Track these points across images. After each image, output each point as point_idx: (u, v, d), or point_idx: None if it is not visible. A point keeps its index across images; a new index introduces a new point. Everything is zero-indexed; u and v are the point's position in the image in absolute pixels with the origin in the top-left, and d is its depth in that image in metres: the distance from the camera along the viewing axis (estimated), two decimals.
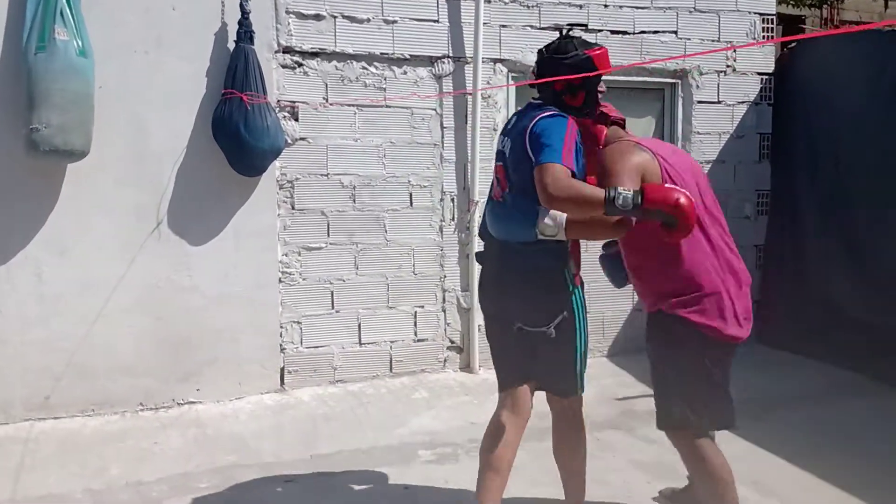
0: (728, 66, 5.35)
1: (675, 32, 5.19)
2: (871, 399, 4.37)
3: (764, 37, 5.43)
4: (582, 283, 2.73)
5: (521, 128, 2.62)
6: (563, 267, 2.65)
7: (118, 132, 4.04)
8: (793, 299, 5.32)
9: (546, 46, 2.72)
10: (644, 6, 5.09)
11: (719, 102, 5.36)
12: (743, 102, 5.43)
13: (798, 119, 5.38)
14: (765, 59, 5.46)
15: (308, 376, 4.57)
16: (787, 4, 7.56)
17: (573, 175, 2.44)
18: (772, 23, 5.48)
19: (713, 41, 5.28)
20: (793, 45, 5.64)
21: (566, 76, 2.60)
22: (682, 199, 2.35)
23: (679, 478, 3.44)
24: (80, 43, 3.70)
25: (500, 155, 2.76)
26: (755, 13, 5.40)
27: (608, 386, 4.69)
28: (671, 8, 5.16)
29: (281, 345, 4.51)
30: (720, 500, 2.78)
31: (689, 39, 5.22)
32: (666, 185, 2.47)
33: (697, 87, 5.28)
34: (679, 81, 5.28)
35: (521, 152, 2.56)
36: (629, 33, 5.08)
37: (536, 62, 2.73)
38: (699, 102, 5.29)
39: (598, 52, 2.66)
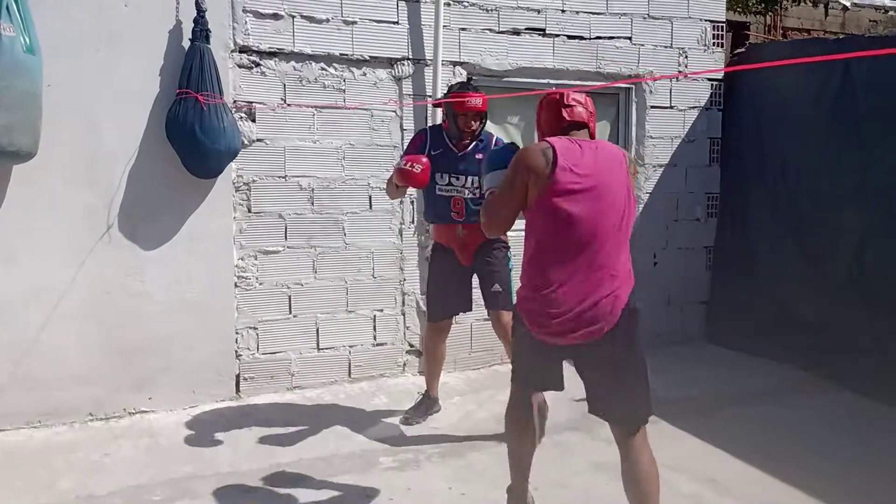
0: (680, 73, 5.45)
1: (630, 38, 5.26)
2: (820, 397, 4.50)
3: (714, 43, 5.55)
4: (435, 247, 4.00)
5: None
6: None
7: (67, 132, 3.88)
8: (741, 299, 5.46)
9: (455, 84, 4.01)
10: (600, 12, 5.15)
11: (672, 108, 5.46)
12: (694, 108, 5.54)
13: (746, 124, 5.52)
14: (715, 65, 5.58)
15: (265, 383, 4.49)
16: (733, 11, 7.73)
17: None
18: (722, 30, 5.60)
19: (666, 47, 5.38)
20: (741, 51, 5.79)
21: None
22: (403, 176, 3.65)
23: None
24: (27, 39, 3.54)
25: None
26: (706, 20, 5.52)
27: (567, 387, 4.71)
28: (626, 14, 5.23)
29: (236, 351, 4.42)
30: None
31: (643, 45, 5.30)
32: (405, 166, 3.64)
33: (651, 92, 5.36)
34: (633, 86, 5.36)
35: None
36: (585, 38, 5.13)
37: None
38: (652, 107, 5.38)
39: (474, 96, 3.77)
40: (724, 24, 5.61)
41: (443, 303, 4.04)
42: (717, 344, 5.59)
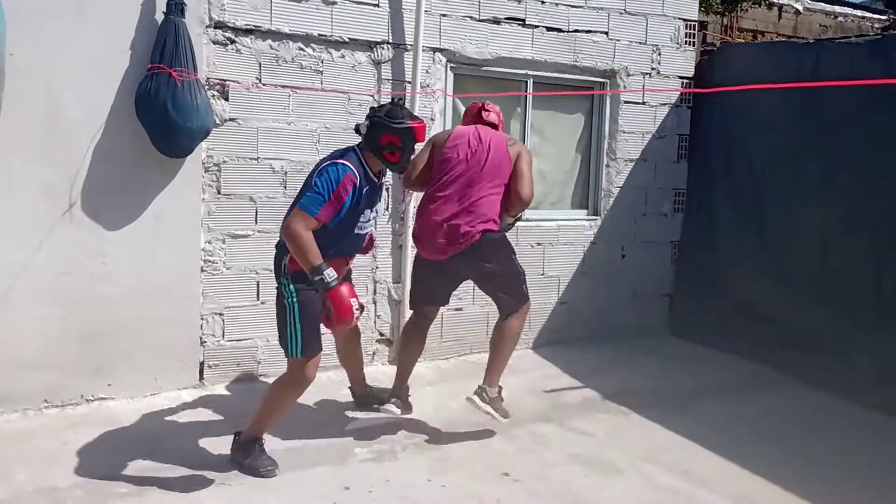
0: (653, 69, 5.48)
1: (607, 33, 5.27)
2: (783, 391, 4.64)
3: (686, 41, 5.60)
4: (301, 279, 3.25)
5: (318, 164, 3.37)
6: (282, 258, 3.34)
7: (28, 105, 3.66)
8: (705, 294, 5.56)
9: (379, 107, 3.41)
10: (578, 5, 5.13)
11: (643, 103, 5.50)
12: (665, 104, 5.59)
13: (714, 122, 5.59)
14: (686, 63, 5.64)
15: (230, 370, 4.35)
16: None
17: (324, 225, 3.22)
18: (694, 28, 5.66)
19: (641, 43, 5.40)
20: (712, 49, 5.86)
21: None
22: (346, 315, 3.26)
23: (616, 470, 3.53)
24: None
25: None
26: (679, 18, 5.57)
27: (536, 378, 4.74)
28: (604, 9, 5.23)
29: (201, 337, 4.27)
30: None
31: (619, 41, 5.31)
32: (349, 301, 3.26)
33: (625, 87, 5.38)
34: (608, 81, 5.37)
35: (305, 184, 3.34)
36: (563, 31, 5.11)
37: (368, 117, 3.37)
38: (625, 103, 5.41)
39: (418, 125, 3.39)
40: (696, 23, 5.68)
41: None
42: (680, 337, 5.69)
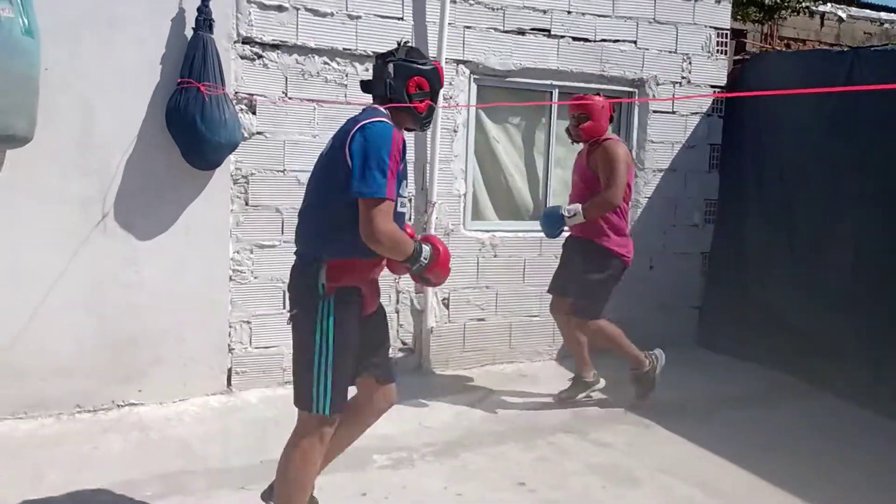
0: (683, 78, 5.44)
1: (635, 42, 5.25)
2: (809, 401, 4.56)
3: (718, 50, 5.55)
4: (345, 301, 2.55)
5: (342, 133, 2.56)
6: (314, 275, 2.55)
7: (64, 118, 3.81)
8: (735, 305, 5.48)
9: (388, 53, 2.72)
10: (606, 14, 5.13)
11: (673, 112, 5.45)
12: (696, 114, 5.54)
13: (747, 132, 5.52)
14: (718, 72, 5.59)
15: (256, 377, 4.44)
16: (733, 18, 7.74)
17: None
18: (726, 37, 5.61)
19: (671, 52, 5.37)
20: (743, 58, 5.79)
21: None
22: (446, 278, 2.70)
23: (634, 481, 3.50)
24: (25, 21, 3.44)
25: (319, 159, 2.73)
26: (710, 27, 5.52)
27: (558, 389, 4.71)
28: (632, 18, 5.22)
29: (229, 345, 4.36)
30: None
31: (647, 49, 5.29)
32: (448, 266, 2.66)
33: (654, 96, 5.35)
34: (636, 91, 5.35)
35: (337, 163, 2.51)
36: (590, 40, 5.11)
37: (376, 66, 2.71)
38: (654, 112, 5.37)
39: (440, 66, 2.83)
40: (728, 32, 5.62)
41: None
42: (708, 348, 5.61)
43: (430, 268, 2.58)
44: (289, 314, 2.68)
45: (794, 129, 5.11)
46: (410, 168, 4.68)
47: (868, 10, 11.44)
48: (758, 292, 5.31)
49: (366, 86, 2.76)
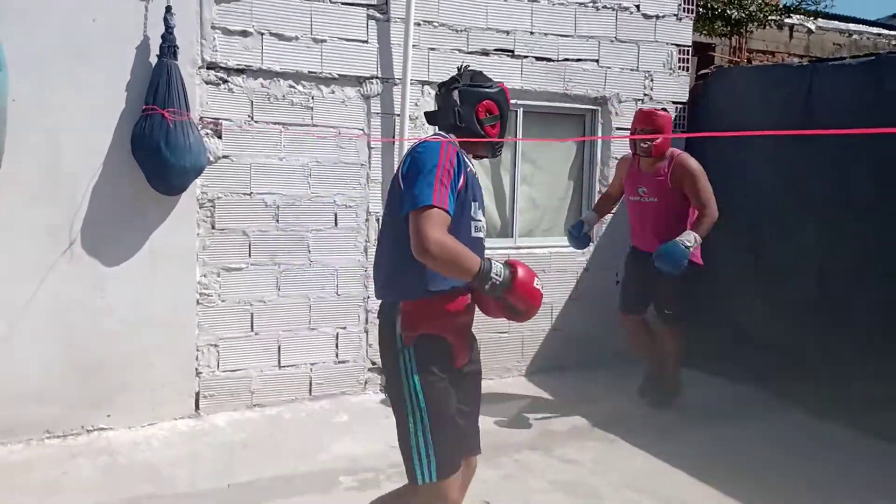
0: (645, 95, 5.54)
1: (597, 61, 5.35)
2: (774, 415, 4.61)
3: (680, 66, 5.65)
4: (429, 352, 2.33)
5: (401, 167, 2.37)
6: (392, 324, 2.34)
7: (31, 147, 3.83)
8: (700, 319, 5.53)
9: (452, 80, 2.57)
10: (568, 34, 5.22)
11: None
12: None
13: (709, 146, 5.60)
14: (679, 88, 5.69)
15: (224, 401, 4.46)
16: (699, 33, 7.89)
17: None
18: (687, 53, 5.71)
19: (633, 70, 5.47)
20: (705, 73, 5.90)
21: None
22: (538, 303, 2.31)
23: (599, 498, 3.55)
24: None
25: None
26: (672, 44, 5.62)
27: (525, 405, 4.78)
28: (593, 37, 5.31)
29: (197, 368, 4.39)
30: None
31: (609, 68, 5.39)
32: (535, 285, 2.30)
33: (616, 114, 5.44)
34: (599, 108, 5.44)
35: (395, 192, 2.34)
36: (553, 60, 5.20)
37: (440, 95, 2.59)
38: (618, 129, 5.46)
39: (505, 87, 2.66)
40: (689, 48, 5.72)
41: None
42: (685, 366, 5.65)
43: (510, 290, 2.24)
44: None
45: (756, 142, 5.20)
46: (378, 188, 4.75)
47: (836, 22, 11.63)
48: (723, 306, 5.38)
49: (431, 117, 2.62)
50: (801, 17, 10.64)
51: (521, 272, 2.26)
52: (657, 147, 4.41)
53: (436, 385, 2.31)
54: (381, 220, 2.55)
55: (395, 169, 2.47)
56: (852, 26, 11.85)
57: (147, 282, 4.18)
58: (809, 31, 11.16)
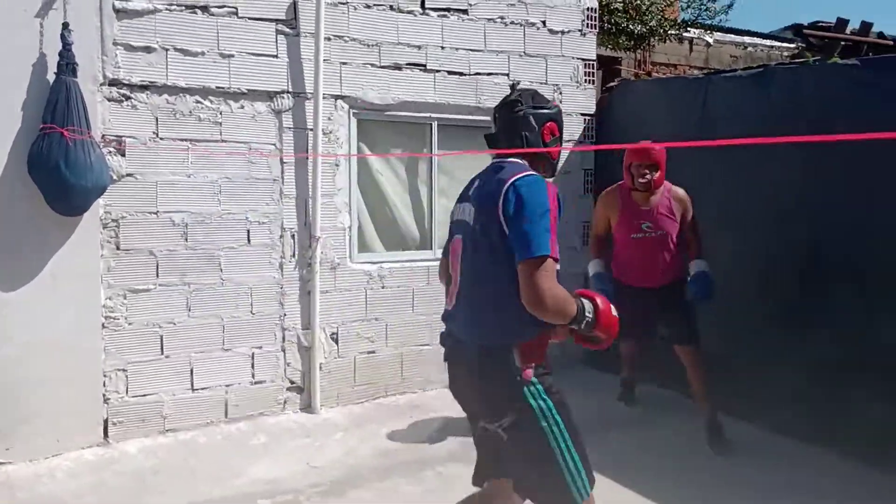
0: None
1: (507, 75, 5.44)
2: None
3: (586, 80, 5.82)
4: (541, 374, 2.34)
5: (488, 197, 2.33)
6: (505, 363, 2.31)
7: None
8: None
9: (511, 102, 2.50)
10: (478, 49, 5.30)
11: None
12: (569, 141, 5.77)
13: (617, 156, 5.78)
14: (587, 100, 5.86)
15: (135, 427, 4.29)
16: (605, 47, 8.13)
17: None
18: (593, 67, 5.89)
19: (542, 83, 5.59)
20: (612, 85, 6.10)
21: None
22: (616, 331, 2.39)
23: None
24: None
25: (458, 226, 2.50)
26: (578, 58, 5.79)
27: (449, 417, 4.75)
28: (503, 52, 5.41)
29: (104, 395, 4.21)
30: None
31: (519, 82, 5.46)
32: (613, 314, 2.37)
33: None
34: None
35: (493, 231, 2.29)
36: (465, 74, 5.26)
37: (501, 117, 2.51)
38: None
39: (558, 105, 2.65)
40: (594, 62, 5.90)
41: None
42: (594, 367, 5.78)
43: (597, 323, 2.31)
44: (488, 424, 2.37)
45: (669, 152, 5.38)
46: (292, 203, 4.68)
47: (732, 35, 12.21)
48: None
49: (492, 140, 2.54)
50: (700, 31, 11.12)
51: (601, 304, 2.34)
52: (657, 182, 4.36)
53: (564, 401, 2.36)
54: (463, 254, 2.43)
55: (480, 200, 2.37)
56: (747, 39, 12.45)
57: (48, 306, 3.99)
58: (708, 45, 11.68)
